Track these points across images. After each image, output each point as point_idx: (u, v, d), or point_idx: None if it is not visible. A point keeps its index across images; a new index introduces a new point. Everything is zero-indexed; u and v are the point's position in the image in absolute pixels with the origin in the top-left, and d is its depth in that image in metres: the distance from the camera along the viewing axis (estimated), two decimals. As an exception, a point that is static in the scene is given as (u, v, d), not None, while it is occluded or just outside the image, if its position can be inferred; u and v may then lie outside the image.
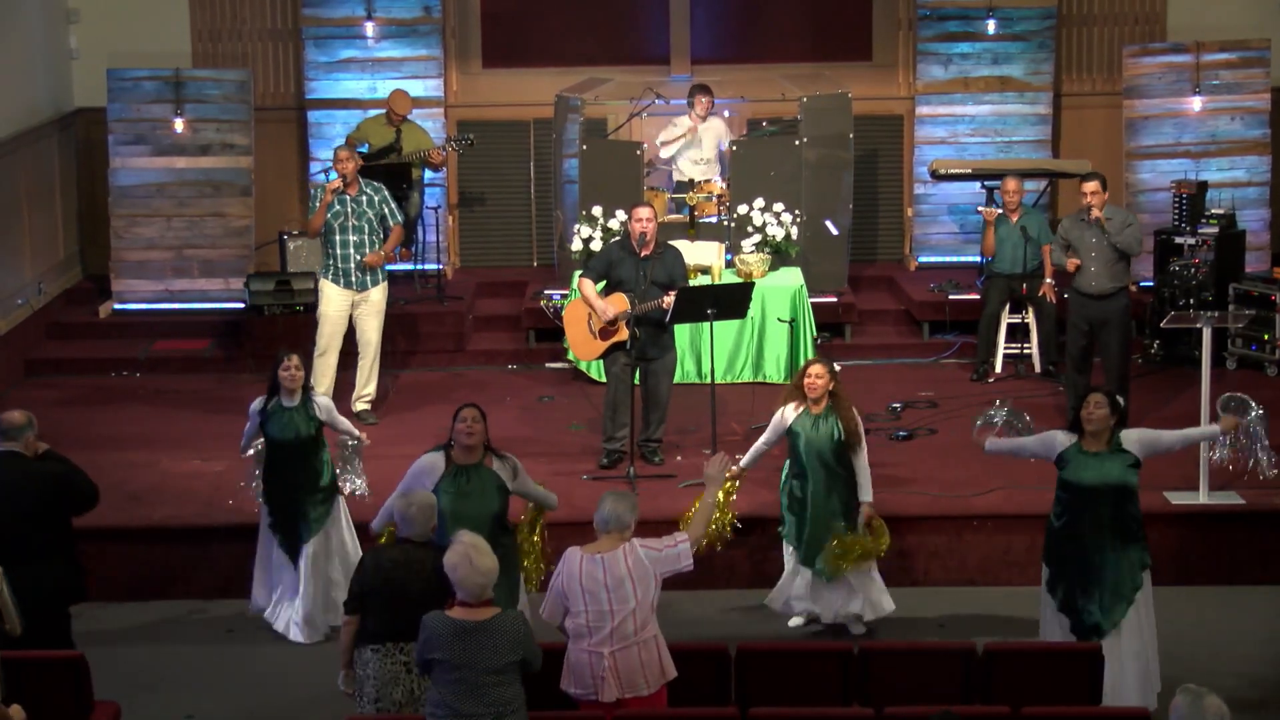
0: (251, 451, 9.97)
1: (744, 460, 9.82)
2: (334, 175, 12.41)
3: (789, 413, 9.61)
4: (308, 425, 9.71)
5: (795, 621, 9.90)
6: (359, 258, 12.25)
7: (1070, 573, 8.63)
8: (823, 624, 9.80)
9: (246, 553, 10.28)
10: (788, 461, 9.77)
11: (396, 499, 7.87)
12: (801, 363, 12.70)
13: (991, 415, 9.34)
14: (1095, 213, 11.64)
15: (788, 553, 9.80)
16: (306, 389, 9.82)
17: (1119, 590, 8.56)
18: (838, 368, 9.81)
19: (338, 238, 12.25)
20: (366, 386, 12.54)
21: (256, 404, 9.80)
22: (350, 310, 12.35)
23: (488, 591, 7.02)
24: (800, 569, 9.72)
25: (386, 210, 12.37)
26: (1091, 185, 11.73)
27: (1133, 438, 8.70)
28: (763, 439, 9.81)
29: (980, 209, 13.85)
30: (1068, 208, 14.86)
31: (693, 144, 14.32)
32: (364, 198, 12.29)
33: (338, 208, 12.24)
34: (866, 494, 9.64)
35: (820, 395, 9.50)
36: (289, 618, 9.87)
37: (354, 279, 12.29)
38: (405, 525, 7.71)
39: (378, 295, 12.40)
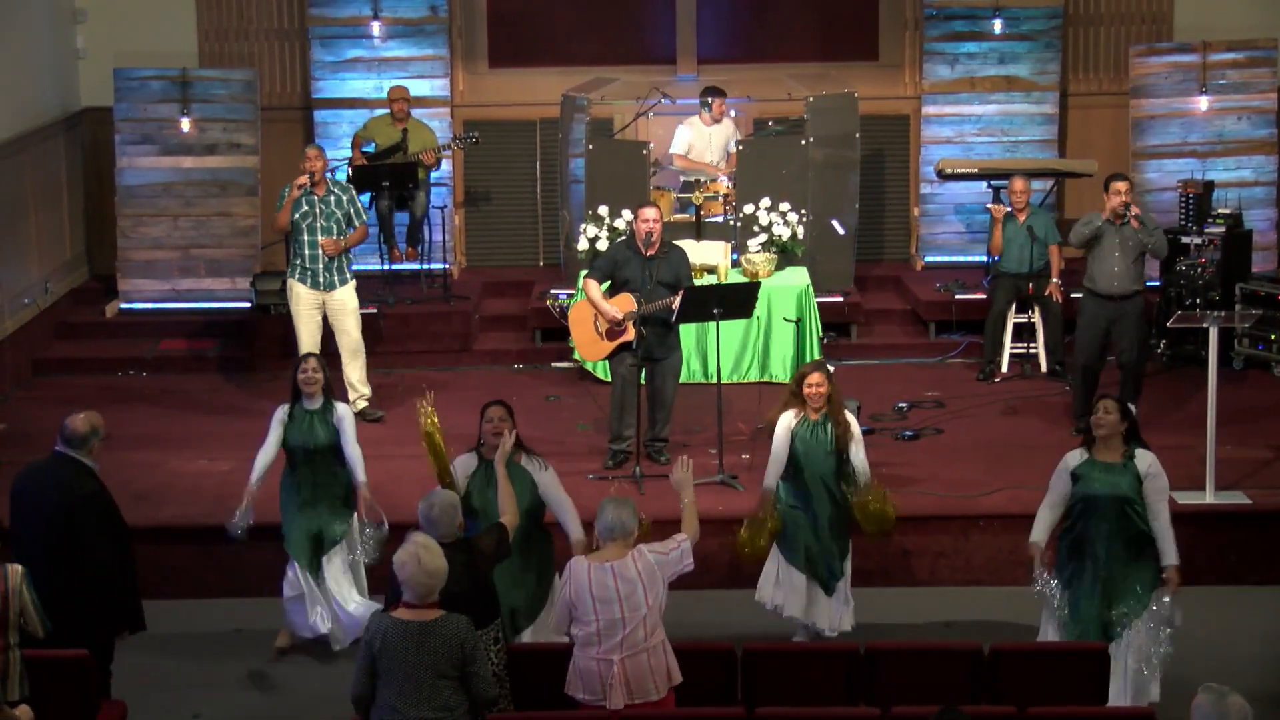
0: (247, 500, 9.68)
1: (767, 483, 9.47)
2: (339, 173, 12.42)
3: (789, 419, 9.49)
4: (327, 433, 9.61)
5: (798, 638, 9.76)
6: (326, 259, 12.26)
7: (1079, 584, 8.59)
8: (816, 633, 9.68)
9: (253, 552, 10.29)
10: (786, 475, 9.62)
11: (420, 502, 7.83)
12: (808, 360, 12.73)
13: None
14: (1135, 209, 11.63)
15: (777, 559, 9.58)
16: (328, 392, 9.72)
17: (1127, 602, 8.53)
18: (832, 369, 9.69)
19: (305, 238, 12.27)
20: (362, 386, 12.55)
21: (280, 412, 9.67)
22: (321, 310, 12.34)
23: (434, 594, 6.97)
24: (792, 576, 9.59)
25: (353, 210, 12.39)
26: (1125, 185, 11.68)
27: (1147, 460, 8.59)
28: (775, 454, 9.45)
29: (989, 206, 13.86)
30: (1074, 207, 14.88)
31: (705, 148, 14.37)
32: (332, 198, 12.31)
33: (305, 208, 12.25)
34: (865, 478, 9.45)
35: (821, 403, 9.41)
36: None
37: (321, 279, 12.30)
38: (430, 526, 7.65)
39: (344, 295, 12.39)
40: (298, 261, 12.35)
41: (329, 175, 12.55)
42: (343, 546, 9.72)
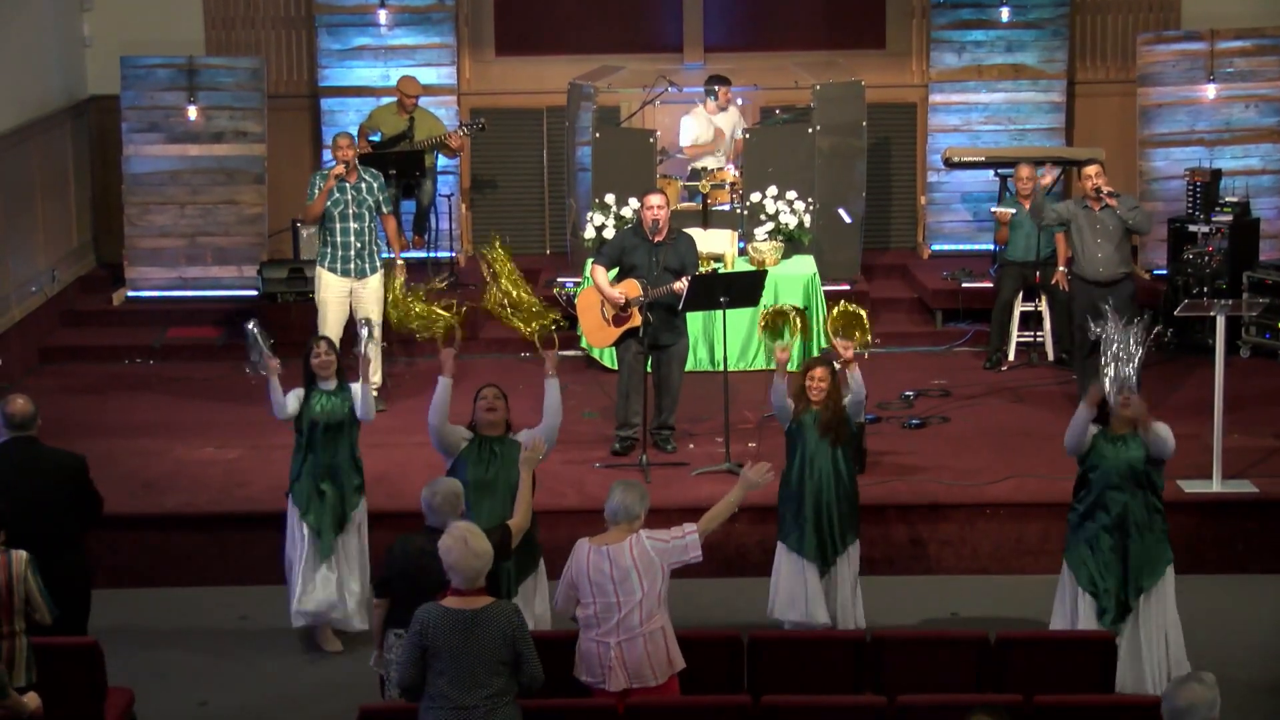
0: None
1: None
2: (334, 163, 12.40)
3: (796, 410, 9.53)
4: (345, 408, 9.57)
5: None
6: (359, 245, 12.25)
7: (1092, 560, 8.60)
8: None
9: (259, 540, 10.30)
10: (789, 463, 9.66)
11: (423, 489, 7.85)
12: (814, 351, 12.75)
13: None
14: (1107, 188, 11.66)
15: (790, 560, 9.64)
16: (341, 374, 9.66)
17: (1139, 578, 8.55)
18: (838, 365, 9.67)
19: (338, 225, 12.25)
20: (373, 376, 12.52)
21: (295, 395, 9.58)
22: (349, 298, 12.34)
23: (481, 578, 6.98)
24: (806, 571, 9.55)
25: (383, 197, 12.38)
26: (1096, 168, 11.74)
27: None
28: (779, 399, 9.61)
29: (994, 210, 13.80)
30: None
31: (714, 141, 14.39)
32: (363, 185, 12.30)
33: (337, 195, 12.24)
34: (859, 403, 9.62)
35: (821, 397, 9.42)
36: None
37: (353, 266, 12.28)
38: (431, 514, 7.68)
39: (376, 283, 12.38)
40: (328, 250, 12.33)
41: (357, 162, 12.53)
42: (356, 526, 9.70)
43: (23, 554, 7.63)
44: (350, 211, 12.24)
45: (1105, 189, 11.65)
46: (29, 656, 7.62)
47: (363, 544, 9.74)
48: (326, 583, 9.57)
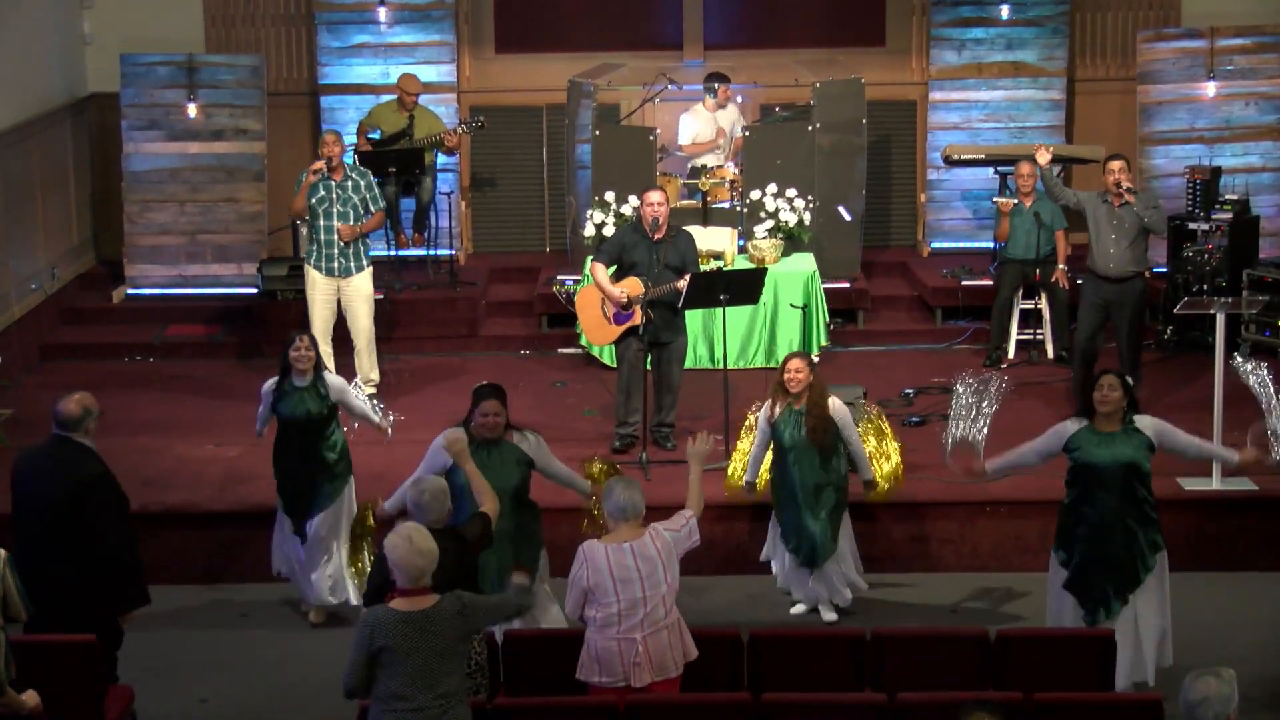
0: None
1: (747, 475, 9.93)
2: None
3: (768, 410, 9.61)
4: (318, 405, 9.66)
5: (797, 609, 9.87)
6: (342, 244, 12.25)
7: (1083, 554, 8.59)
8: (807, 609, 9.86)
9: (259, 538, 10.30)
10: (772, 458, 9.74)
11: (409, 487, 7.85)
12: (814, 348, 12.78)
13: (955, 431, 9.20)
14: (1128, 184, 11.66)
15: (774, 541, 9.84)
16: (319, 369, 9.78)
17: (1132, 571, 8.53)
18: (816, 359, 9.73)
19: (321, 223, 12.26)
20: (370, 373, 12.55)
21: (268, 385, 9.82)
22: (337, 295, 12.34)
23: (426, 577, 6.91)
24: (787, 557, 9.74)
25: (370, 196, 12.36)
26: (1119, 164, 11.73)
27: (1147, 422, 8.65)
28: (756, 445, 9.85)
29: (996, 200, 13.81)
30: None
31: (714, 139, 14.40)
32: (349, 183, 12.29)
33: (322, 193, 12.24)
34: (866, 473, 9.80)
35: (802, 390, 9.46)
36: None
37: (337, 265, 12.28)
38: (419, 512, 7.65)
39: (360, 281, 12.38)
40: (314, 247, 12.34)
41: (346, 161, 12.52)
42: (334, 511, 9.76)
43: (1, 552, 7.61)
44: (334, 210, 12.24)
45: (1126, 185, 11.65)
46: (7, 653, 7.60)
47: (343, 526, 9.82)
48: (291, 557, 9.85)
